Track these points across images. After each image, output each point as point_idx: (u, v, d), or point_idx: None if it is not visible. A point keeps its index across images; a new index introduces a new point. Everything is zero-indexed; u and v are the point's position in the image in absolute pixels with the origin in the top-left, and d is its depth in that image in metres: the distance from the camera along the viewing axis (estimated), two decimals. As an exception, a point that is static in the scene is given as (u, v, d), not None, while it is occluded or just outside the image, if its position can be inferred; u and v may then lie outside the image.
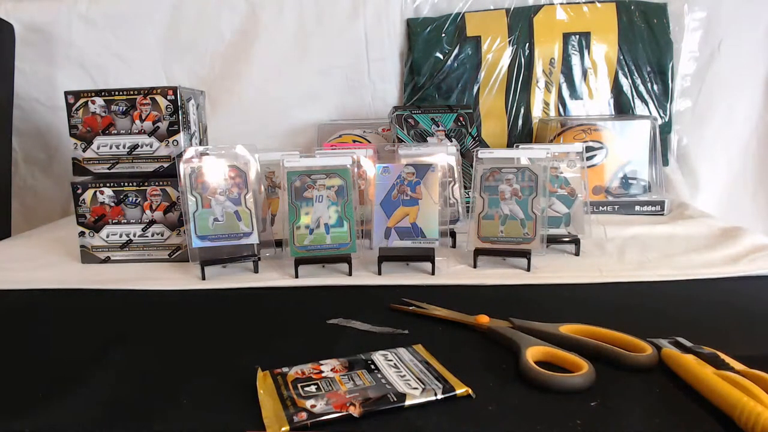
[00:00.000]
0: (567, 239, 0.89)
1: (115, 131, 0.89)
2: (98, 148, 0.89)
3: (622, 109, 1.34)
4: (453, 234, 0.92)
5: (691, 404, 0.45)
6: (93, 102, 0.88)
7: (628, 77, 1.33)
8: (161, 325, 0.67)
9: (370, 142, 1.20)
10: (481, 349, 0.57)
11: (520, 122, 1.37)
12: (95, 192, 0.89)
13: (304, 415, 0.44)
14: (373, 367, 0.51)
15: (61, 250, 0.97)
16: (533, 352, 0.52)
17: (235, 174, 0.84)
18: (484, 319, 0.60)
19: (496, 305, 0.65)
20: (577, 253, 0.88)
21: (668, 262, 0.84)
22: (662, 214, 1.12)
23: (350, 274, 0.80)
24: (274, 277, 0.81)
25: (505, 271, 0.81)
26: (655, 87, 1.33)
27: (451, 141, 1.11)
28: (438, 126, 1.12)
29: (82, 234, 0.90)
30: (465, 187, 1.08)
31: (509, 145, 1.33)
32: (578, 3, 1.34)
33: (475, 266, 0.82)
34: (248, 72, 1.41)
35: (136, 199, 0.89)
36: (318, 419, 0.44)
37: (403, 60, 1.41)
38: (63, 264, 0.91)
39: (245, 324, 0.66)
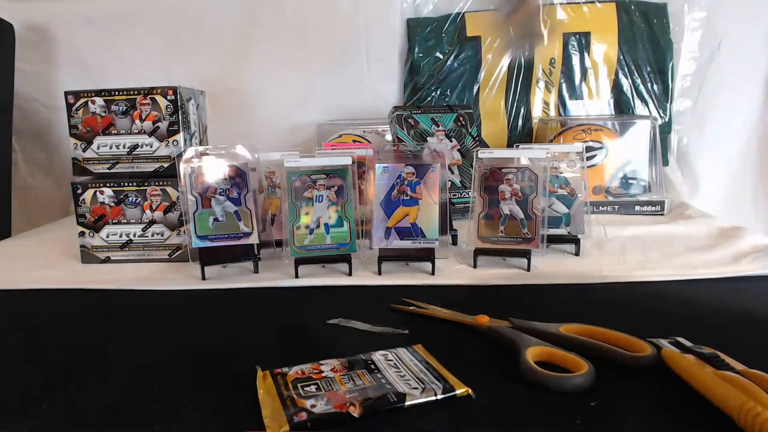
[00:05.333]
0: (567, 239, 0.89)
1: (115, 131, 0.89)
2: (98, 148, 0.89)
3: (622, 109, 1.34)
4: (452, 233, 0.93)
5: (691, 404, 0.45)
6: (93, 102, 0.88)
7: (628, 77, 1.33)
8: (161, 325, 0.67)
9: (370, 142, 1.20)
10: (481, 349, 0.57)
11: (520, 122, 1.37)
12: (95, 192, 0.89)
13: (304, 415, 0.44)
14: (373, 367, 0.51)
15: (61, 250, 0.97)
16: (533, 352, 0.52)
17: (235, 174, 0.84)
18: (484, 319, 0.60)
19: (496, 305, 0.65)
20: (577, 253, 0.88)
21: (668, 262, 0.84)
22: (662, 214, 1.12)
23: (350, 274, 0.80)
24: (274, 277, 0.81)
25: (505, 271, 0.81)
26: (655, 87, 1.33)
27: (451, 141, 1.11)
28: (438, 126, 1.12)
29: (82, 234, 0.90)
30: (465, 187, 1.08)
31: (509, 145, 1.33)
32: (578, 3, 1.34)
33: (475, 266, 0.82)
34: (248, 72, 1.41)
35: (136, 199, 0.89)
36: (318, 419, 0.44)
37: (403, 60, 1.41)
38: (63, 264, 0.91)
39: (245, 324, 0.66)
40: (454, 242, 0.93)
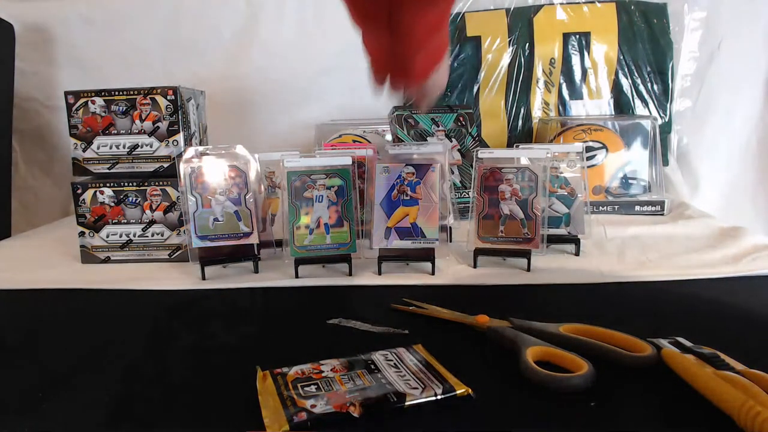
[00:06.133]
0: (567, 239, 0.89)
1: (115, 131, 0.89)
2: (98, 148, 0.89)
3: (622, 109, 1.34)
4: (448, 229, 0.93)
5: (691, 404, 0.45)
6: (93, 102, 0.88)
7: (628, 77, 1.33)
8: (161, 325, 0.67)
9: (370, 142, 1.20)
10: (481, 349, 0.57)
11: (520, 122, 1.37)
12: (95, 192, 0.89)
13: (304, 415, 0.44)
14: (373, 367, 0.51)
15: (61, 250, 0.97)
16: (533, 352, 0.52)
17: (235, 174, 0.84)
18: (484, 319, 0.60)
19: (496, 305, 0.65)
20: (577, 253, 0.88)
21: (668, 262, 0.84)
22: (662, 214, 1.12)
23: (350, 274, 0.80)
24: (274, 277, 0.81)
25: (505, 271, 0.81)
26: (655, 87, 1.33)
27: (452, 141, 1.11)
28: (438, 126, 1.12)
29: (82, 234, 0.90)
30: (465, 187, 1.08)
31: (509, 145, 1.33)
32: (578, 3, 1.34)
33: (475, 266, 0.82)
34: (248, 72, 1.41)
35: (136, 199, 0.89)
36: (318, 419, 0.44)
37: (404, 60, 1.41)
38: (63, 264, 0.91)
39: (245, 324, 0.66)
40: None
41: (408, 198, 0.82)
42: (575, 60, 1.34)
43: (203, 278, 0.80)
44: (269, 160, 0.90)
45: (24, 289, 0.79)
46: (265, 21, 1.40)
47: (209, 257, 0.82)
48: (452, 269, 0.82)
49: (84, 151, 0.89)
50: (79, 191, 0.89)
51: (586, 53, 1.33)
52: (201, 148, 0.85)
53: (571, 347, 0.53)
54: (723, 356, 0.49)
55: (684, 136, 1.37)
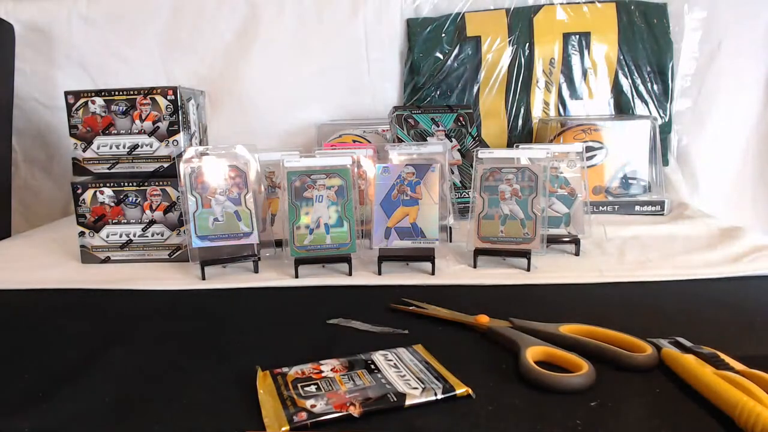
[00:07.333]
0: (567, 239, 0.89)
1: (115, 131, 0.89)
2: (98, 148, 0.89)
3: (622, 109, 1.34)
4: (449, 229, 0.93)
5: (691, 404, 0.45)
6: (93, 102, 0.88)
7: (628, 77, 1.33)
8: (161, 325, 0.67)
9: (370, 142, 1.20)
10: (481, 349, 0.57)
11: (520, 122, 1.37)
12: (95, 192, 0.89)
13: (304, 415, 0.44)
14: (373, 367, 0.51)
15: (61, 250, 0.97)
16: (533, 352, 0.52)
17: (235, 174, 0.84)
18: (484, 319, 0.60)
19: (496, 305, 0.65)
20: (577, 253, 0.88)
21: (668, 262, 0.84)
22: (662, 214, 1.12)
23: (350, 274, 0.80)
24: (274, 277, 0.81)
25: (505, 271, 0.81)
26: (655, 87, 1.33)
27: (452, 141, 1.11)
28: (438, 126, 1.12)
29: (82, 234, 0.90)
30: (465, 187, 1.08)
31: (509, 145, 1.33)
32: (578, 3, 1.34)
33: (475, 266, 0.82)
34: (248, 72, 1.41)
35: (136, 199, 0.89)
36: (318, 419, 0.44)
37: (403, 60, 1.41)
38: (63, 264, 0.91)
39: (245, 324, 0.67)
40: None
41: (408, 198, 0.82)
42: (575, 60, 1.33)
43: (203, 278, 0.80)
44: (269, 160, 0.90)
45: (24, 289, 0.79)
46: (265, 20, 1.39)
47: (209, 257, 0.82)
48: (452, 269, 0.82)
49: (84, 151, 0.89)
50: (79, 191, 0.89)
51: (586, 53, 1.33)
52: (201, 148, 0.85)
53: (571, 347, 0.53)
54: (723, 356, 0.49)
55: (684, 136, 1.37)
